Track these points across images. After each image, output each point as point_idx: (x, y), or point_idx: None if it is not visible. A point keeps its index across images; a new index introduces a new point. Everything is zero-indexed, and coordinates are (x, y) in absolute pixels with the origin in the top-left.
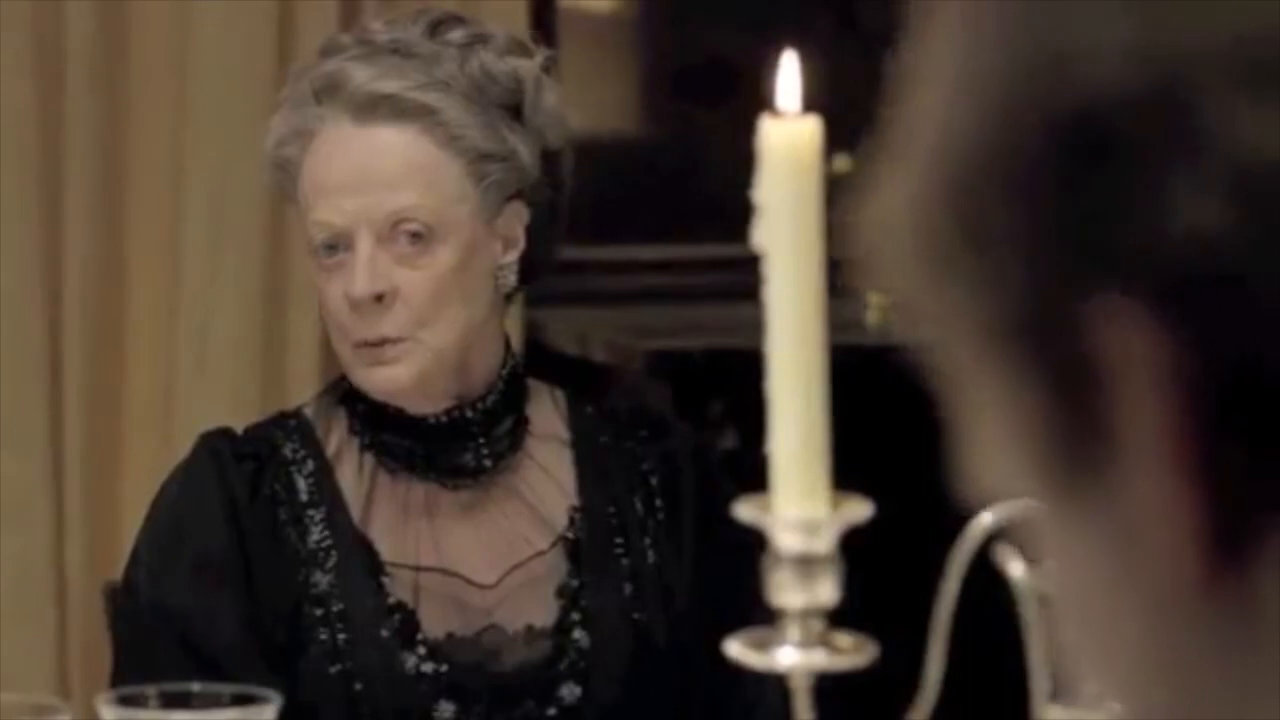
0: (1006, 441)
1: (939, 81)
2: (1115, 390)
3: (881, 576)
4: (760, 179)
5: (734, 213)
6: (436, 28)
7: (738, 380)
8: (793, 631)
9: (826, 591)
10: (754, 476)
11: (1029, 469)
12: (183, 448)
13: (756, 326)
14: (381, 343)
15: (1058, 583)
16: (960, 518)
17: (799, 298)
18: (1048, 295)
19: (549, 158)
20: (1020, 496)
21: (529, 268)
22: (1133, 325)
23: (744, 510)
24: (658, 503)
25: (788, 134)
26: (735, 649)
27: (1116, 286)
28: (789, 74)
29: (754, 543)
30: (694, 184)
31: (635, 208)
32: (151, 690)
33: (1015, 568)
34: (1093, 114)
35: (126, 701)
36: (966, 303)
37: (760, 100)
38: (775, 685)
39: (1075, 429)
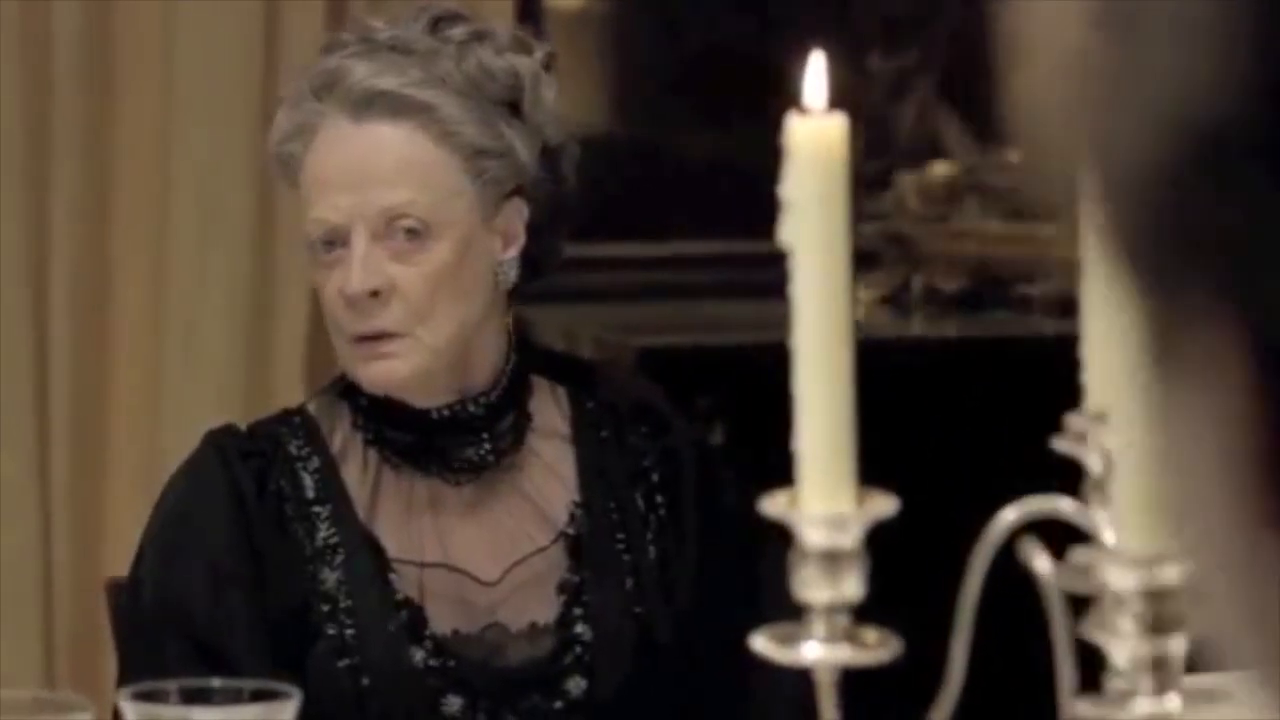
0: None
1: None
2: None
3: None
4: (787, 176)
5: (722, 210)
6: (437, 24)
7: (725, 377)
8: (818, 627)
9: (852, 587)
10: (741, 472)
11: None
12: (170, 447)
13: (745, 323)
14: (379, 337)
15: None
16: (956, 513)
17: (826, 294)
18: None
19: (549, 154)
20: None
21: (533, 264)
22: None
23: (770, 505)
24: (659, 498)
25: (815, 131)
26: (760, 643)
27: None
28: (816, 72)
29: (755, 537)
30: (681, 181)
31: (622, 205)
32: (172, 686)
33: (1041, 563)
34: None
35: (147, 697)
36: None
37: (747, 96)
38: (789, 679)
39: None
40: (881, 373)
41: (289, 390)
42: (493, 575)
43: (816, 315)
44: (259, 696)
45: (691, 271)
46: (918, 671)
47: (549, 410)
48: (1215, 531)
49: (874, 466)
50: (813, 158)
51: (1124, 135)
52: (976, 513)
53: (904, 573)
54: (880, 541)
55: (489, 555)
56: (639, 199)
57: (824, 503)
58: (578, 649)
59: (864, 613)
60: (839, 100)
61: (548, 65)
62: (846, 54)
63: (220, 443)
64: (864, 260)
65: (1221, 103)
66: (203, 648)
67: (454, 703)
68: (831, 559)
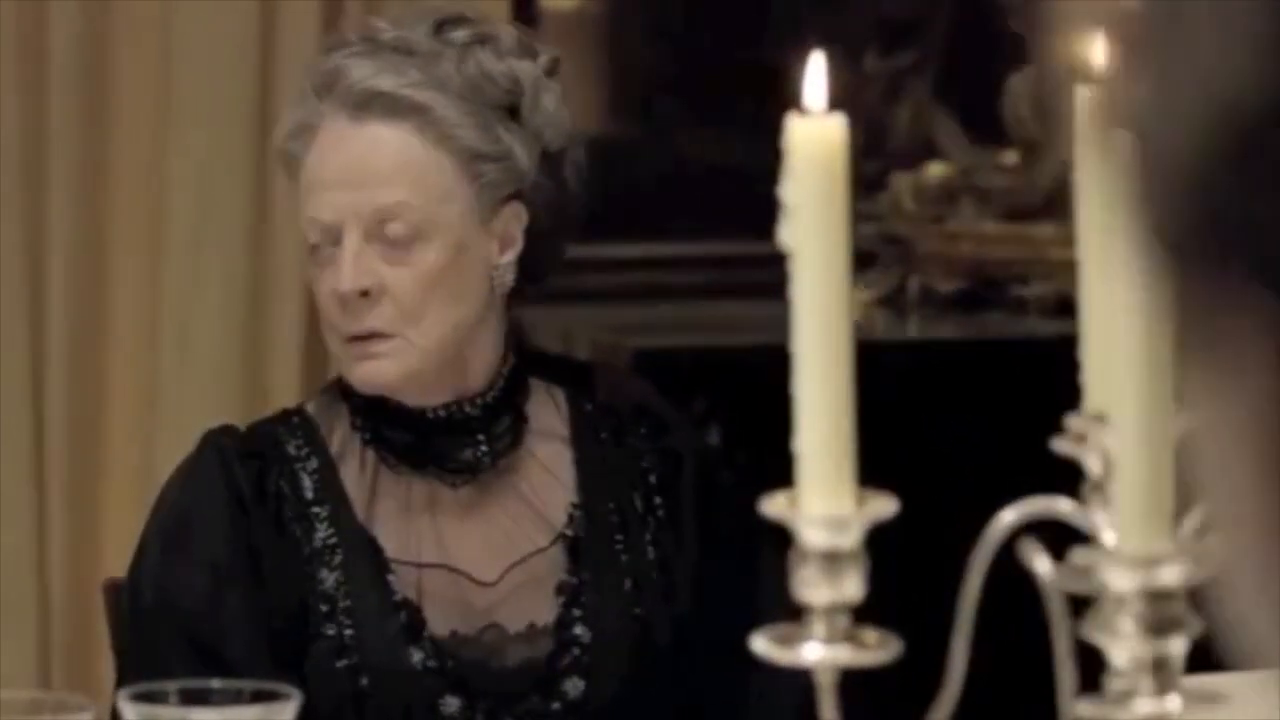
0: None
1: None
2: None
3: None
4: (787, 178)
5: (718, 211)
6: (441, 27)
7: (722, 378)
8: (818, 627)
9: (852, 587)
10: (737, 474)
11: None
12: (165, 448)
13: (741, 324)
14: (370, 336)
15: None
16: (955, 514)
17: (826, 296)
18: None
19: (549, 159)
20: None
21: (533, 268)
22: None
23: (770, 506)
24: (658, 499)
25: (814, 133)
26: (760, 644)
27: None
28: (816, 74)
29: (754, 538)
30: (677, 182)
31: (619, 206)
32: (172, 687)
33: (1041, 564)
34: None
35: (146, 698)
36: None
37: (741, 98)
38: (787, 681)
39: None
40: (878, 374)
41: (285, 391)
42: (491, 576)
43: (817, 317)
44: (259, 697)
45: (688, 273)
46: (917, 672)
47: (547, 412)
48: (1245, 511)
49: (872, 467)
50: (813, 159)
51: (1168, 120)
52: (975, 514)
53: (903, 574)
54: (880, 542)
55: (487, 556)
56: (635, 200)
57: (824, 504)
58: (576, 650)
59: (864, 614)
60: (835, 101)
61: (551, 71)
62: (842, 55)
63: (219, 443)
64: (860, 261)
65: (1263, 92)
66: (201, 648)
67: (452, 704)
68: (831, 560)
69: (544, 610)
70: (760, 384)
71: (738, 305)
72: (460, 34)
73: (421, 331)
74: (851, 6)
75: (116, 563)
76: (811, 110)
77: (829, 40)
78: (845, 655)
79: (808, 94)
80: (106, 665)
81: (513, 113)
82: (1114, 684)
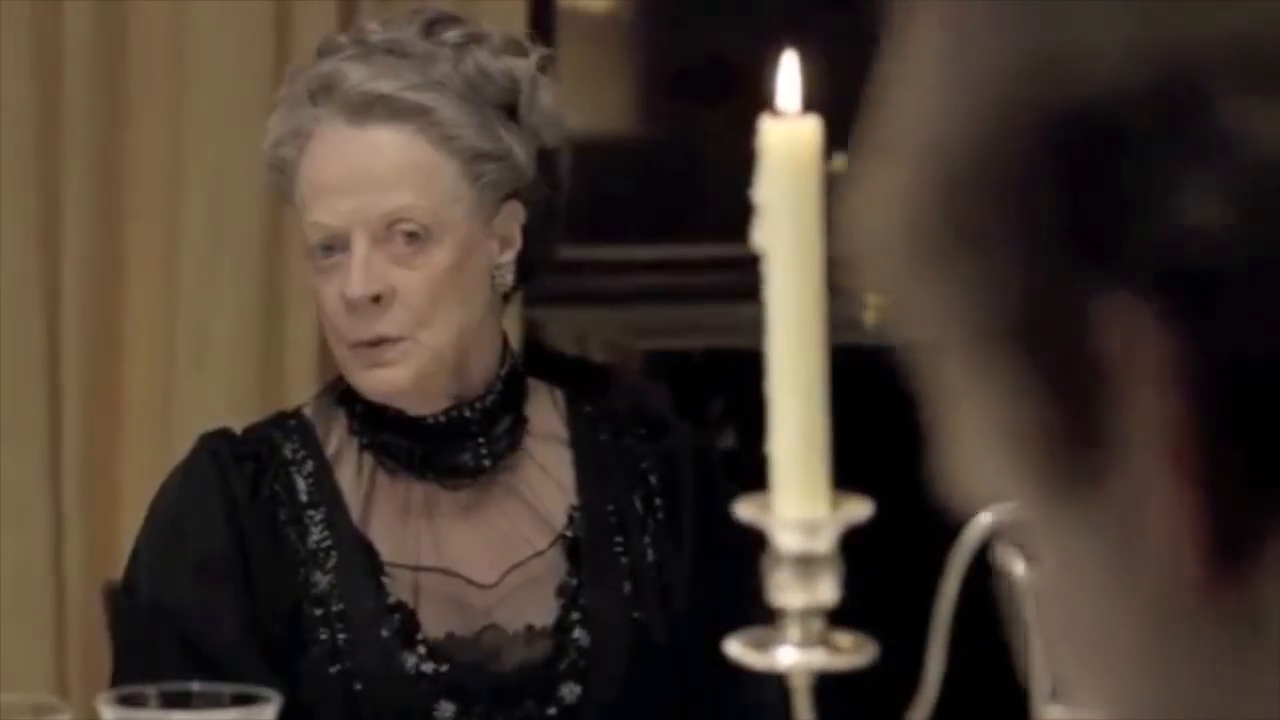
0: (999, 444)
1: (931, 79)
2: (1117, 391)
3: (878, 576)
4: (760, 179)
5: (732, 212)
6: (432, 27)
7: (736, 380)
8: (793, 631)
9: (827, 591)
10: (752, 476)
11: (1022, 472)
12: (181, 448)
13: (755, 326)
14: (379, 342)
15: (1047, 587)
16: (957, 518)
17: (799, 298)
18: (1047, 295)
19: (545, 157)
20: (1008, 500)
21: (527, 267)
22: (1137, 325)
23: (744, 510)
24: (657, 501)
25: (788, 134)
26: (735, 649)
27: (1121, 286)
28: (789, 74)
29: (753, 542)
30: (693, 183)
31: (634, 207)
32: (152, 690)
33: (1016, 567)
34: (1094, 111)
35: (127, 701)
36: (961, 302)
37: (758, 99)
38: (774, 686)
39: (1074, 431)
40: (893, 377)
41: (300, 392)
42: (490, 578)
43: (789, 319)
44: (239, 701)
45: (704, 274)
46: (894, 675)
47: (546, 414)
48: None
49: (878, 471)
50: (785, 160)
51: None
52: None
53: (903, 574)
54: (878, 543)
55: (486, 559)
56: (651, 202)
57: (798, 507)
58: (573, 654)
59: (843, 616)
60: (842, 100)
61: (544, 68)
62: (851, 53)
63: (214, 446)
64: None
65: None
66: (194, 651)
67: (447, 709)
68: (805, 563)
69: (542, 612)
70: None
71: (753, 307)
72: (452, 34)
73: (431, 333)
74: (861, 4)
75: None
76: (785, 111)
77: (836, 38)
78: (820, 659)
79: (781, 95)
80: None
81: (510, 111)
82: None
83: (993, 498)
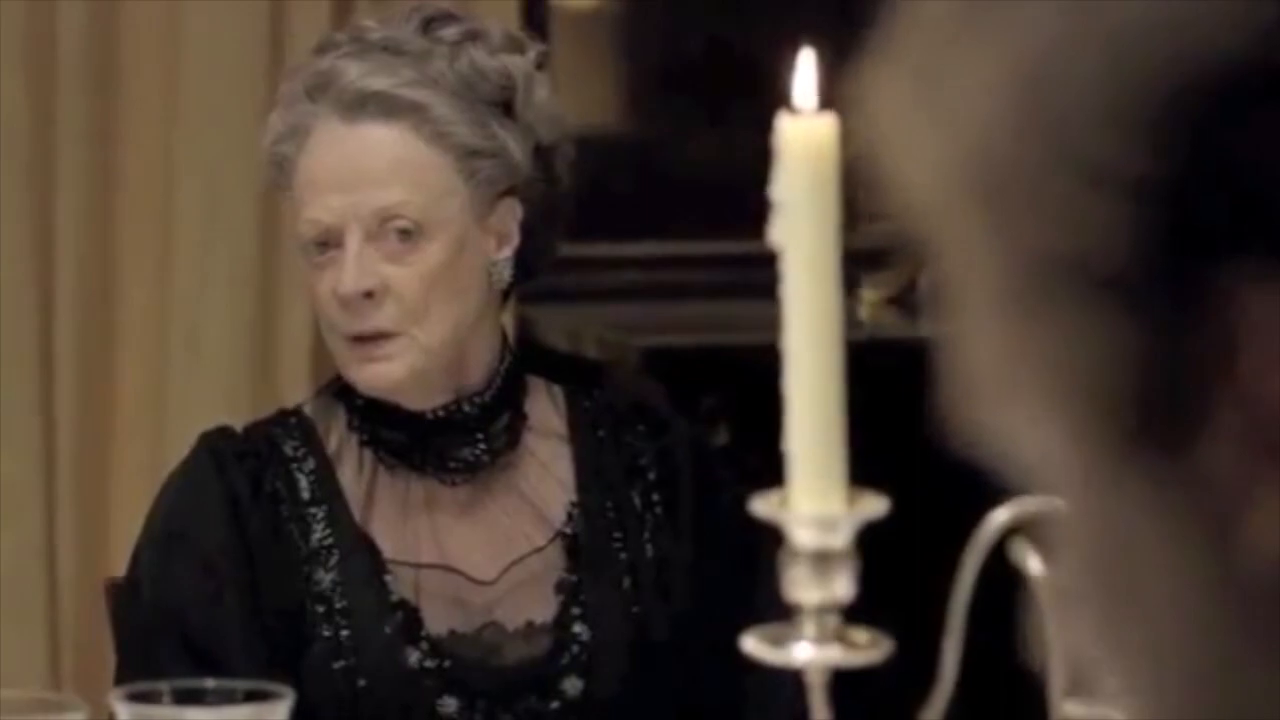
0: (1064, 400)
1: (1048, 15)
2: (1226, 365)
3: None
4: (778, 176)
5: (727, 209)
6: (429, 24)
7: (730, 376)
8: (808, 627)
9: (842, 587)
10: (746, 473)
11: (1085, 432)
12: (175, 447)
13: (749, 323)
14: (375, 337)
15: (1082, 566)
16: (957, 512)
17: (816, 295)
18: (1163, 251)
19: (543, 153)
20: (1055, 463)
21: (527, 263)
22: (1266, 301)
23: (761, 506)
24: (656, 497)
25: (805, 131)
26: (751, 644)
27: (1259, 251)
28: (806, 71)
29: (752, 536)
30: (687, 181)
31: (627, 204)
32: (165, 686)
33: (1033, 563)
34: (1235, 72)
35: (140, 698)
36: (1047, 242)
37: (753, 95)
38: (787, 679)
39: (1163, 396)
40: (888, 373)
41: (294, 390)
42: (489, 575)
43: (807, 316)
44: (252, 697)
45: (697, 271)
46: (910, 671)
47: (545, 410)
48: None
49: (880, 466)
50: (803, 157)
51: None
52: (981, 511)
53: (902, 574)
54: (879, 543)
55: (486, 555)
56: (646, 198)
57: (814, 503)
58: (575, 649)
59: (858, 613)
60: (845, 98)
61: (540, 65)
62: (852, 52)
63: (215, 445)
64: (871, 260)
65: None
66: (197, 649)
67: (450, 704)
68: (822, 559)
69: (542, 608)
70: (769, 383)
71: (748, 303)
72: (449, 31)
73: (425, 329)
74: (862, 2)
75: (125, 561)
76: (802, 109)
77: (839, 37)
78: (835, 655)
79: (797, 93)
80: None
81: (506, 108)
82: (1106, 683)
83: (1034, 454)
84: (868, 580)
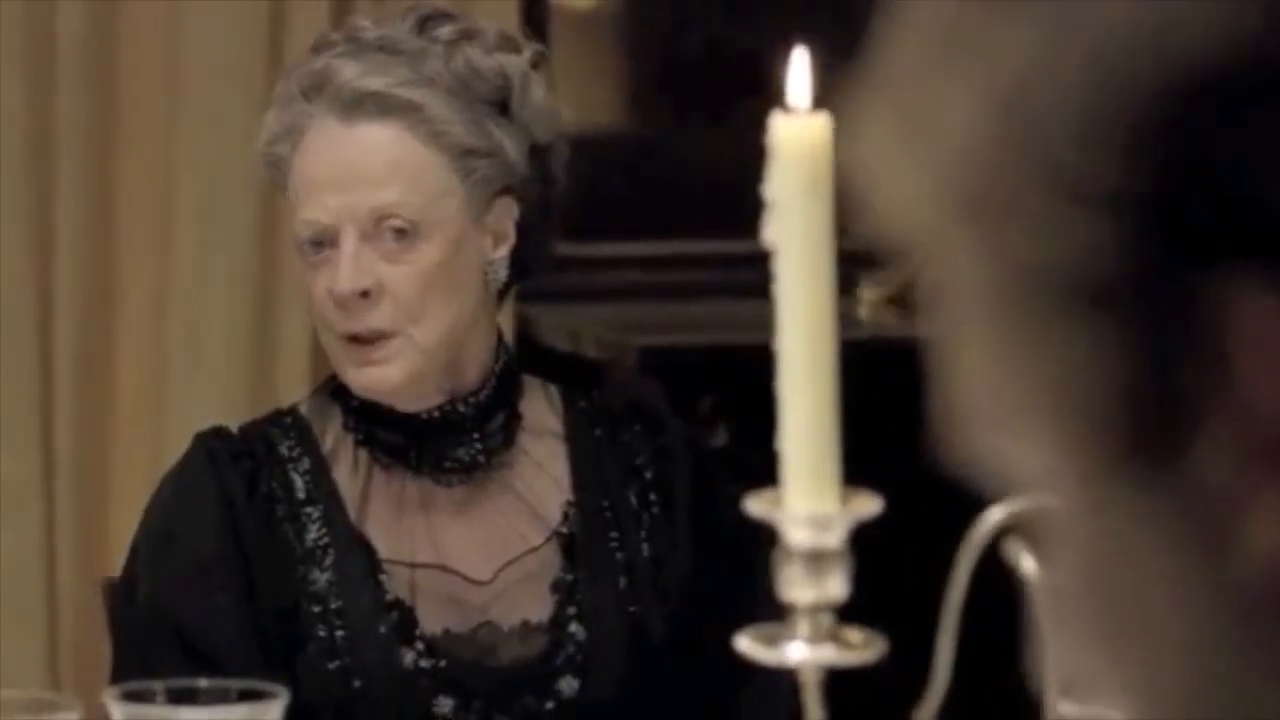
0: (1054, 409)
1: (1027, 29)
2: (1221, 372)
3: (877, 572)
4: (772, 175)
5: (726, 209)
6: (425, 24)
7: (729, 377)
8: (803, 627)
9: (836, 587)
10: (745, 472)
11: (1076, 443)
12: (174, 447)
13: (748, 323)
14: (371, 338)
15: (1075, 572)
16: (954, 512)
17: (810, 294)
18: (1153, 260)
19: (538, 153)
20: (1046, 473)
21: (523, 263)
22: (1260, 307)
23: (754, 505)
24: (652, 496)
25: (799, 130)
26: (745, 644)
27: (1243, 262)
28: (799, 71)
29: (748, 536)
30: (686, 180)
31: (626, 204)
32: (159, 686)
33: (1026, 563)
34: (1218, 78)
35: (134, 697)
36: (1031, 254)
37: (751, 95)
38: (783, 678)
39: (1155, 404)
40: (887, 372)
41: (293, 390)
42: (485, 575)
43: (800, 315)
44: (246, 696)
45: (696, 271)
46: (904, 671)
47: (541, 409)
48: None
49: (879, 466)
50: (796, 157)
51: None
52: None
53: (898, 573)
54: (878, 543)
55: (481, 555)
56: (645, 198)
57: (808, 502)
58: (570, 648)
59: (853, 613)
60: (844, 97)
61: (536, 64)
62: (851, 51)
63: (210, 445)
64: (870, 259)
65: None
66: (192, 649)
67: (445, 704)
68: (816, 559)
69: (538, 608)
70: (768, 383)
71: (746, 303)
72: (445, 30)
73: (422, 329)
74: (860, 2)
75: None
76: (796, 108)
77: (838, 36)
78: (829, 655)
79: (791, 92)
80: None
81: (502, 108)
82: (1101, 687)
83: (1028, 470)
84: (862, 579)
